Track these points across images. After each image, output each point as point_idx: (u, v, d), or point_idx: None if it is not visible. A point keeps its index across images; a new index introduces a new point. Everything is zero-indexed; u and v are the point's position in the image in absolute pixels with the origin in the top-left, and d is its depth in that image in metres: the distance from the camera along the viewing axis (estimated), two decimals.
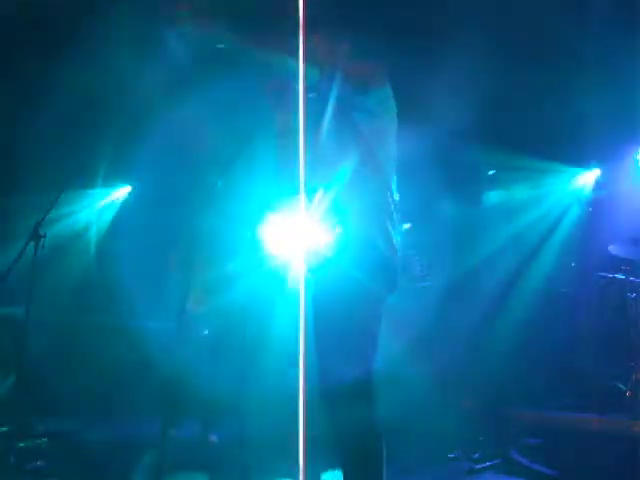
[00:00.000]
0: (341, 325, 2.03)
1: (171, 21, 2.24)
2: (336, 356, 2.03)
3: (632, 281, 4.58)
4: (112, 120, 5.55)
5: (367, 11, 2.49)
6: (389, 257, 2.12)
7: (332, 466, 2.13)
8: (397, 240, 2.14)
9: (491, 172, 6.12)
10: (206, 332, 4.58)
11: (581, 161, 5.88)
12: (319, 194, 2.22)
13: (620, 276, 4.68)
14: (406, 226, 5.83)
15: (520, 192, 5.98)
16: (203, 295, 4.54)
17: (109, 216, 6.82)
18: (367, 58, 2.24)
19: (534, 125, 5.40)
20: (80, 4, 4.55)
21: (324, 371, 2.06)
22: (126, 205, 6.91)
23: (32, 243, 3.30)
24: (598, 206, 5.48)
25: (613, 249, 4.75)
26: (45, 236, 3.30)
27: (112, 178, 6.56)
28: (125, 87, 5.22)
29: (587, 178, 6.00)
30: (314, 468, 3.62)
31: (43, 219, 3.33)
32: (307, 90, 2.32)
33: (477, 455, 4.04)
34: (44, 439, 4.43)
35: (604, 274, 4.83)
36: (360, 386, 2.00)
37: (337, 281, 2.07)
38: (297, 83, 2.30)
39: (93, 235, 6.87)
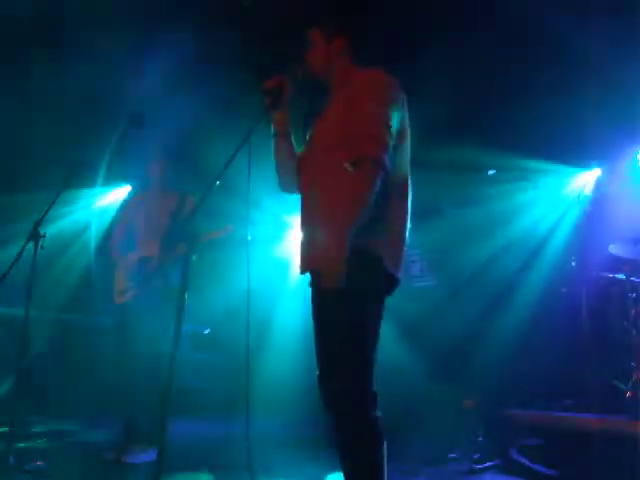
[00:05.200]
0: (340, 326, 2.02)
1: None
2: (336, 357, 2.02)
3: (632, 281, 4.57)
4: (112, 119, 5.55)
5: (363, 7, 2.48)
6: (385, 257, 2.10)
7: (334, 466, 2.12)
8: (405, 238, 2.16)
9: (491, 172, 6.12)
10: (207, 331, 4.49)
11: (581, 161, 5.88)
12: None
13: (620, 276, 4.67)
14: None
15: (520, 192, 5.98)
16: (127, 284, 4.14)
17: (109, 216, 6.82)
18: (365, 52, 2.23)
19: (534, 125, 5.39)
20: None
21: (324, 371, 2.06)
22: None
23: (31, 243, 3.29)
24: (598, 206, 5.47)
25: (613, 249, 4.74)
26: (44, 235, 3.29)
27: (112, 178, 6.56)
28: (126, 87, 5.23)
29: (587, 178, 6.00)
30: (317, 468, 3.62)
31: (42, 218, 3.32)
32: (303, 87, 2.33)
33: (477, 455, 4.04)
34: (44, 439, 4.44)
35: (604, 274, 4.82)
36: (361, 386, 1.99)
37: (354, 285, 2.02)
38: (294, 82, 2.31)
39: (93, 235, 6.87)
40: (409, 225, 2.19)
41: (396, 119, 2.11)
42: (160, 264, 4.07)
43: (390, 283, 2.14)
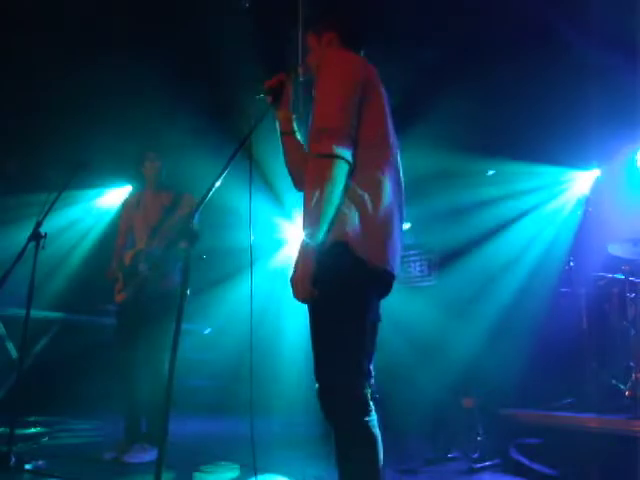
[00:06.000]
0: (323, 327, 1.99)
1: None
2: (320, 359, 1.99)
3: (631, 281, 4.58)
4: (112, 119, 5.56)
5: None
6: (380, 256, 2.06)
7: (330, 466, 2.11)
8: (401, 237, 2.11)
9: (491, 172, 6.12)
10: (208, 331, 4.47)
11: (581, 161, 5.88)
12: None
13: (620, 276, 4.67)
14: (406, 226, 5.84)
15: (519, 192, 5.98)
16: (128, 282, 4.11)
17: (109, 215, 6.83)
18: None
19: (534, 125, 5.40)
20: None
21: (318, 372, 2.02)
22: None
23: (32, 243, 3.30)
24: (597, 206, 5.48)
25: (612, 249, 4.75)
26: (45, 236, 3.30)
27: (112, 178, 6.56)
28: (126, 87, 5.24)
29: (587, 178, 6.01)
30: (313, 468, 3.63)
31: (43, 219, 3.32)
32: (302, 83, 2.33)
33: (477, 455, 4.04)
34: (44, 439, 4.44)
35: (604, 274, 4.83)
36: (346, 389, 1.96)
37: (327, 282, 1.97)
38: (295, 80, 2.31)
39: (93, 235, 6.88)
40: (399, 215, 2.10)
41: (356, 97, 2.01)
42: (146, 251, 4.07)
43: (381, 277, 2.04)
